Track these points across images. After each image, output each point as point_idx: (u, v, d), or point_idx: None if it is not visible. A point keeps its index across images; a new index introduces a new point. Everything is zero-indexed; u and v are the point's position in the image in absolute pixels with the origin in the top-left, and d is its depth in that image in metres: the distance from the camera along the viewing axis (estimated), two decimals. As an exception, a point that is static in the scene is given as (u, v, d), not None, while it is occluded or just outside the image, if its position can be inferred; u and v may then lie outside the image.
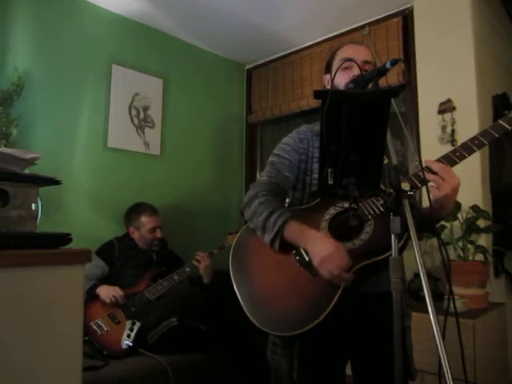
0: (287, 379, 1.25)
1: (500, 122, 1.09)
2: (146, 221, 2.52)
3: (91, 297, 2.19)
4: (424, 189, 1.06)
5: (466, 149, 1.10)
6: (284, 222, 1.18)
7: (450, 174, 1.07)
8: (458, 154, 1.10)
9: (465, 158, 1.10)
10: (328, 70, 1.40)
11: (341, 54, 1.35)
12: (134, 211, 2.58)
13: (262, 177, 1.36)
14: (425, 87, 2.53)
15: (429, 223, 1.17)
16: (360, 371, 1.32)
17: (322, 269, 1.10)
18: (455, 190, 1.07)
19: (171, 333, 2.10)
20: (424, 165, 1.10)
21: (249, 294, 1.22)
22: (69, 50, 2.59)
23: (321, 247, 1.11)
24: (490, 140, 1.09)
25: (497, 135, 1.08)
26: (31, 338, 0.90)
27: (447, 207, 1.13)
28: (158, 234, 2.54)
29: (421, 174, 1.10)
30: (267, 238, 1.21)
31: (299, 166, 1.35)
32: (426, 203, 1.11)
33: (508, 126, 1.07)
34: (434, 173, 1.07)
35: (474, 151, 1.10)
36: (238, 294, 1.23)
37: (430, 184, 1.08)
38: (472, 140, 1.10)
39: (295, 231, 1.18)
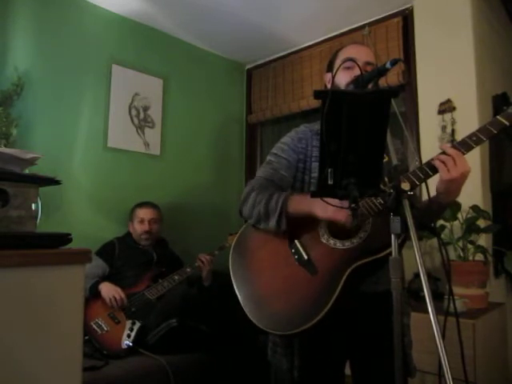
0: (287, 378, 1.25)
1: (498, 117, 1.06)
2: (137, 212, 2.58)
3: (93, 293, 2.20)
4: (427, 185, 1.05)
5: (465, 144, 1.08)
6: (285, 198, 1.20)
7: (463, 160, 1.06)
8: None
9: (471, 148, 1.08)
10: (330, 68, 1.39)
11: (343, 54, 1.34)
12: (134, 206, 2.63)
13: (257, 175, 1.36)
14: (425, 87, 2.53)
15: (428, 218, 1.16)
16: (359, 371, 1.32)
17: (323, 214, 1.11)
18: (464, 176, 1.07)
19: (171, 333, 2.10)
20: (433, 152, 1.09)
21: (249, 294, 1.22)
22: (69, 50, 2.59)
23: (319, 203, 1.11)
24: (489, 136, 1.07)
25: (495, 131, 1.06)
26: (31, 337, 0.90)
27: (452, 193, 1.12)
28: (146, 226, 2.53)
29: (420, 170, 1.09)
30: (272, 221, 1.21)
31: (297, 165, 1.35)
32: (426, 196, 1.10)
33: (507, 122, 1.05)
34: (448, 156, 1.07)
35: (472, 148, 1.08)
36: (238, 294, 1.23)
37: (438, 164, 1.07)
38: (470, 137, 1.08)
39: (297, 201, 1.19)
